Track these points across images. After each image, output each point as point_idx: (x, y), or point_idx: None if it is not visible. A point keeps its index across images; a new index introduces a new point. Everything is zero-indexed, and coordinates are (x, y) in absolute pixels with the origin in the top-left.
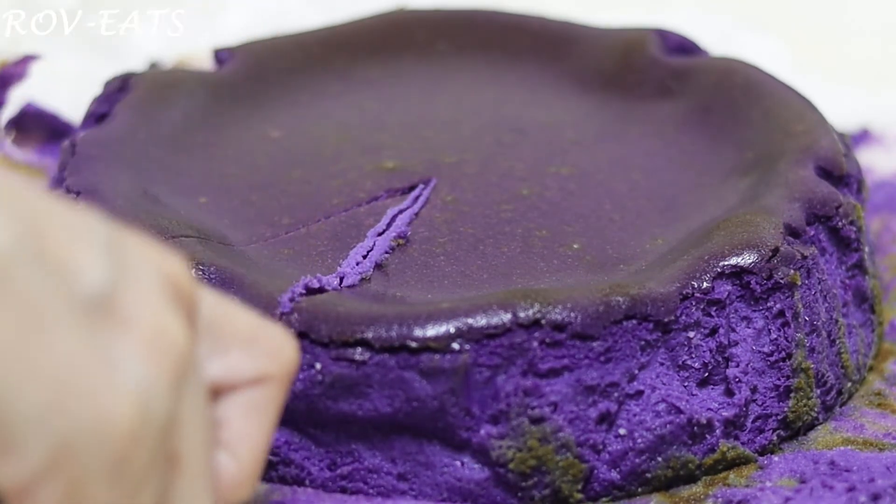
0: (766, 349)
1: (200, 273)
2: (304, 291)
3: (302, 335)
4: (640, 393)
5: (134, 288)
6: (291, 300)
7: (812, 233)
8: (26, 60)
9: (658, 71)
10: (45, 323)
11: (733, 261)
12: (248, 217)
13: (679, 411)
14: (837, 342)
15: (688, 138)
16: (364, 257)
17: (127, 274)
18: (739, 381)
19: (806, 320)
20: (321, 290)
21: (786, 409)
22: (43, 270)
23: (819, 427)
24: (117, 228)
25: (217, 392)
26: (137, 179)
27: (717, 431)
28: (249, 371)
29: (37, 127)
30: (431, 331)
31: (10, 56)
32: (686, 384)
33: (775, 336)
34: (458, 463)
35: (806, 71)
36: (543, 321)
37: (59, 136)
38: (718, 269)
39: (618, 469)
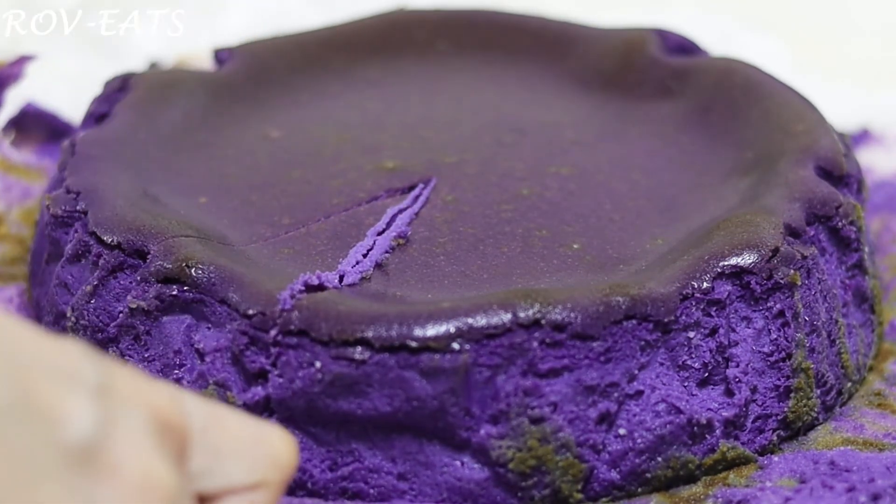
0: (766, 349)
1: (200, 272)
2: (303, 288)
3: (302, 333)
4: (640, 393)
5: (121, 433)
6: (291, 297)
7: (812, 233)
8: (22, 61)
9: (658, 71)
10: (32, 474)
11: (733, 261)
12: (248, 217)
13: (679, 411)
14: (837, 342)
15: (688, 138)
16: (364, 256)
17: (114, 418)
18: (739, 381)
19: (806, 320)
20: (321, 287)
21: (786, 409)
22: (30, 420)
23: (819, 427)
24: (105, 367)
25: (211, 499)
26: (137, 179)
27: (717, 431)
28: (246, 479)
29: (37, 127)
30: (432, 330)
31: (5, 56)
32: (686, 384)
33: (775, 336)
34: (458, 463)
35: (806, 71)
36: (543, 321)
37: (59, 136)
38: (718, 269)
39: (618, 469)
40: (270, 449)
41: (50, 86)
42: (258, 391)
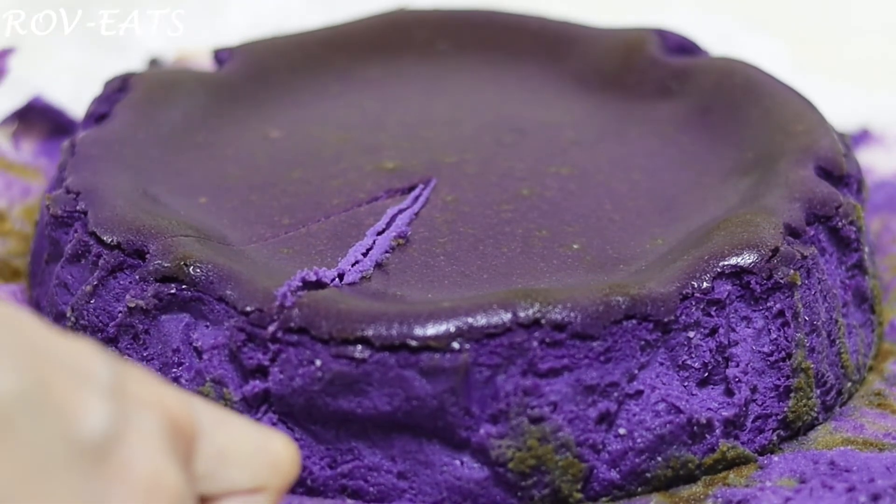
0: (766, 349)
1: (198, 270)
2: (300, 284)
3: (302, 331)
4: (639, 393)
5: (132, 434)
6: (292, 292)
7: (812, 233)
8: (3, 55)
9: (658, 71)
10: (44, 470)
11: (733, 261)
12: (248, 217)
13: (679, 411)
14: (837, 342)
15: (688, 138)
16: (364, 256)
17: (126, 419)
18: (739, 380)
19: (806, 320)
20: (318, 283)
21: (786, 409)
22: (44, 416)
23: (819, 427)
24: (119, 368)
25: (212, 499)
26: (137, 179)
27: (717, 431)
28: (248, 483)
29: (41, 121)
30: (432, 330)
31: None
32: (686, 384)
33: (775, 336)
34: (458, 462)
35: (806, 71)
36: (543, 321)
37: (63, 132)
38: (718, 269)
39: (617, 469)
40: (273, 455)
41: (50, 86)
42: (257, 384)
